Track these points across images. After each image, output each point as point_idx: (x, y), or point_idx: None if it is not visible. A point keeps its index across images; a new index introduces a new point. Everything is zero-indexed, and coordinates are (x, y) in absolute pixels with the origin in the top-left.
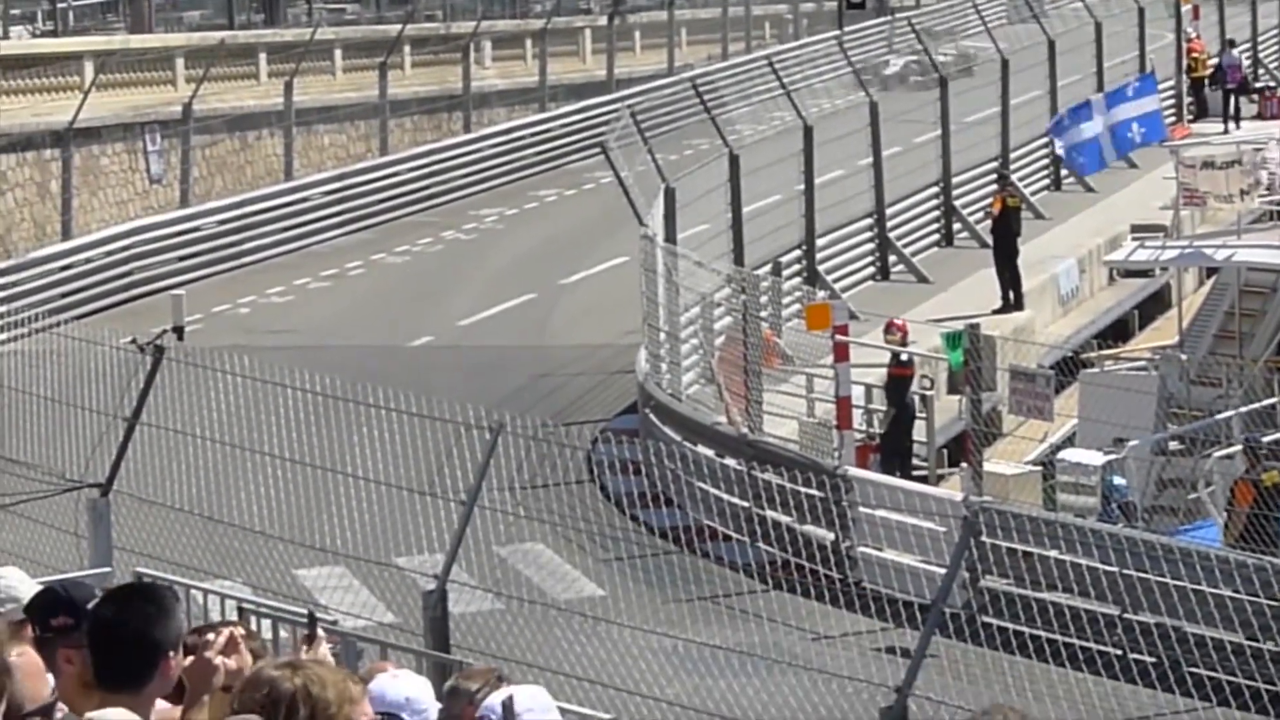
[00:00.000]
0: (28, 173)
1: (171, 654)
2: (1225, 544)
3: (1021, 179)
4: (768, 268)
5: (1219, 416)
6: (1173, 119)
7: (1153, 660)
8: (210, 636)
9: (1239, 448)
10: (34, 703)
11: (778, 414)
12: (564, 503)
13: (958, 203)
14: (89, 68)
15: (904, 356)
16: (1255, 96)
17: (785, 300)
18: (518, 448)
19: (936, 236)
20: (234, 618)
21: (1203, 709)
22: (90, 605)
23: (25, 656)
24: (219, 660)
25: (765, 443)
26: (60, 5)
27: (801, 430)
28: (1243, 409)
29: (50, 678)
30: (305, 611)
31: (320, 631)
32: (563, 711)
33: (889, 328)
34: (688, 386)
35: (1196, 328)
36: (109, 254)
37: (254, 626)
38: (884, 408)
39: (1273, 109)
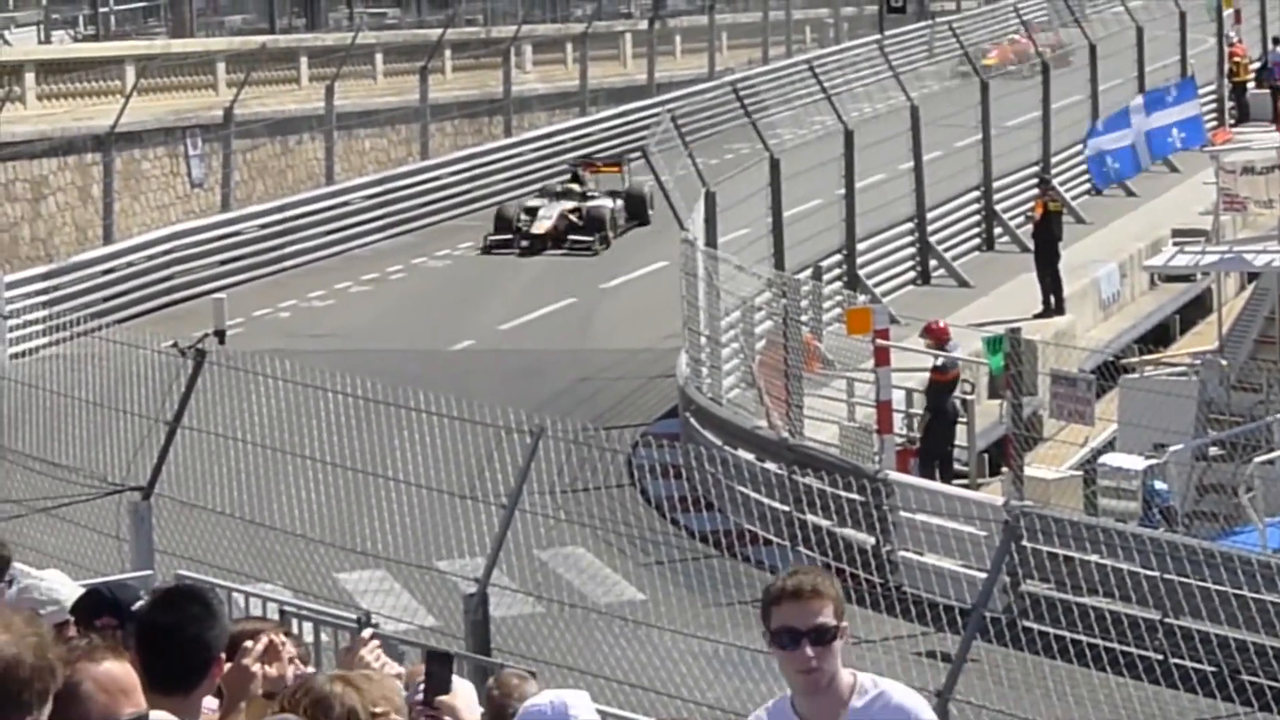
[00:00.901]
0: (69, 177)
1: (221, 656)
2: None
3: (1062, 183)
4: (808, 272)
5: (1260, 422)
6: (1214, 123)
7: (1194, 665)
8: (249, 644)
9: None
10: (104, 718)
11: (818, 418)
12: (604, 506)
13: (999, 207)
14: (130, 72)
15: (939, 361)
16: None
17: (826, 304)
18: (558, 451)
19: (977, 240)
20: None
21: (1244, 714)
22: (135, 607)
23: (109, 671)
24: (257, 668)
25: (806, 447)
26: (101, 10)
27: (842, 434)
28: None
29: (140, 698)
30: (345, 615)
31: (365, 634)
32: (603, 715)
33: (924, 331)
34: (728, 390)
35: (1236, 333)
36: (150, 258)
37: (295, 630)
38: (922, 411)
39: None
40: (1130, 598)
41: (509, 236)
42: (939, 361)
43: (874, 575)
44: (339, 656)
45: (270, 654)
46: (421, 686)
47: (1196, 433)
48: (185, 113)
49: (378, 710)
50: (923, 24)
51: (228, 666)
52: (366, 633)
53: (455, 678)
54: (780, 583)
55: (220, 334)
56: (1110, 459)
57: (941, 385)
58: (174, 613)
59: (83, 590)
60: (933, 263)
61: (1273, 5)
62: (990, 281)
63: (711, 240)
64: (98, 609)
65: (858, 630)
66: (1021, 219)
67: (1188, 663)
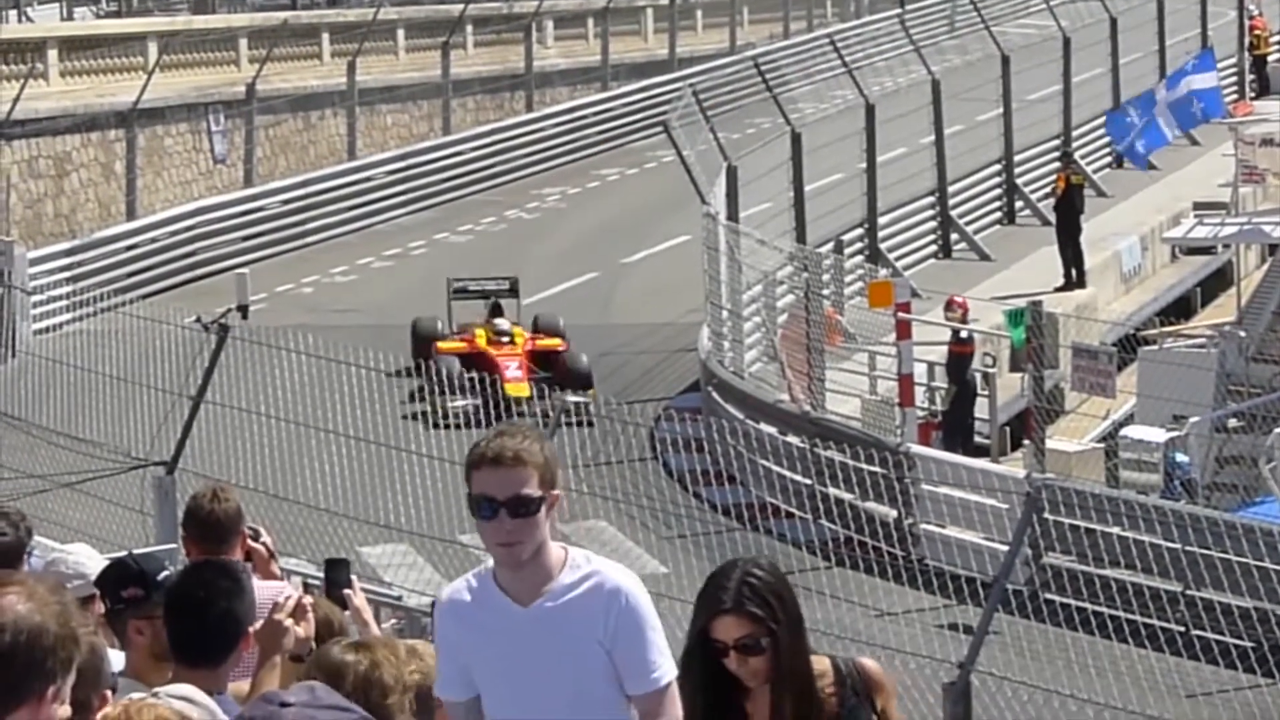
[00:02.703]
0: (92, 153)
1: (250, 630)
2: None
3: (1083, 156)
4: (830, 246)
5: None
6: (1235, 96)
7: (1216, 637)
8: (280, 599)
9: None
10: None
11: (840, 391)
12: (627, 480)
13: (1020, 180)
14: (153, 48)
15: (963, 334)
16: None
17: (847, 278)
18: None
19: (998, 214)
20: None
21: (1266, 685)
22: (161, 578)
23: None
24: (289, 623)
25: (828, 420)
26: None
27: (864, 408)
28: None
29: (112, 655)
30: (370, 588)
31: (354, 581)
32: None
33: (949, 305)
34: (750, 364)
35: (1256, 305)
36: (174, 234)
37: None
38: (946, 385)
39: None
40: (1152, 569)
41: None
42: (963, 334)
43: (896, 548)
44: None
45: (299, 613)
46: None
47: (1216, 405)
48: (208, 89)
49: (411, 677)
50: None
51: (259, 624)
52: (355, 579)
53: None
54: (482, 446)
55: (243, 309)
56: (1132, 431)
57: (963, 357)
58: (204, 587)
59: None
60: (954, 236)
61: None
62: (1011, 255)
63: (733, 214)
64: (124, 579)
65: (880, 603)
66: (1043, 193)
67: (1209, 634)
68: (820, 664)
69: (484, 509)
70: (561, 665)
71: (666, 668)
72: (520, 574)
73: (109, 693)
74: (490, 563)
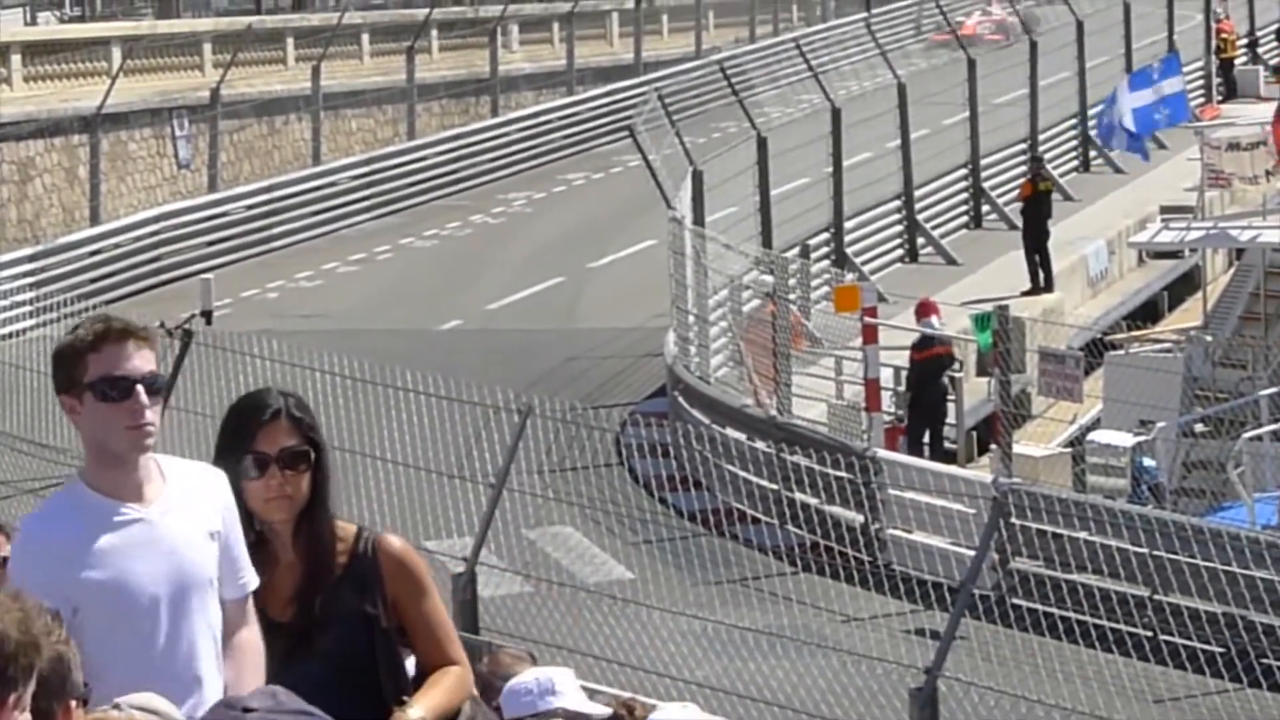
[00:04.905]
0: (56, 158)
1: None
2: None
3: (1050, 160)
4: (796, 250)
5: (1246, 398)
6: (1202, 100)
7: (1183, 642)
8: None
9: (1269, 428)
10: None
11: (806, 396)
12: (593, 486)
13: (986, 184)
14: (116, 53)
15: (916, 339)
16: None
17: (813, 282)
18: (546, 431)
19: (965, 218)
20: None
21: (1234, 690)
22: None
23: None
24: None
25: (794, 425)
26: None
27: (830, 412)
28: (1271, 390)
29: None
30: None
31: None
32: (592, 693)
33: (919, 309)
34: (716, 369)
35: (1222, 309)
36: (137, 239)
37: None
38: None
39: None
40: (1119, 574)
41: None
42: (915, 339)
43: (863, 553)
44: None
45: None
46: None
47: (1182, 409)
48: (172, 94)
49: None
50: (910, 1)
51: None
52: None
53: None
54: (103, 324)
55: (207, 315)
56: (1099, 436)
57: (919, 364)
58: None
59: None
60: (920, 240)
61: None
62: (978, 259)
63: (699, 219)
64: None
65: (846, 608)
66: (1009, 196)
67: (1177, 639)
68: (345, 529)
69: (112, 389)
70: (184, 565)
71: (251, 576)
72: (131, 472)
73: (73, 703)
74: (72, 483)
